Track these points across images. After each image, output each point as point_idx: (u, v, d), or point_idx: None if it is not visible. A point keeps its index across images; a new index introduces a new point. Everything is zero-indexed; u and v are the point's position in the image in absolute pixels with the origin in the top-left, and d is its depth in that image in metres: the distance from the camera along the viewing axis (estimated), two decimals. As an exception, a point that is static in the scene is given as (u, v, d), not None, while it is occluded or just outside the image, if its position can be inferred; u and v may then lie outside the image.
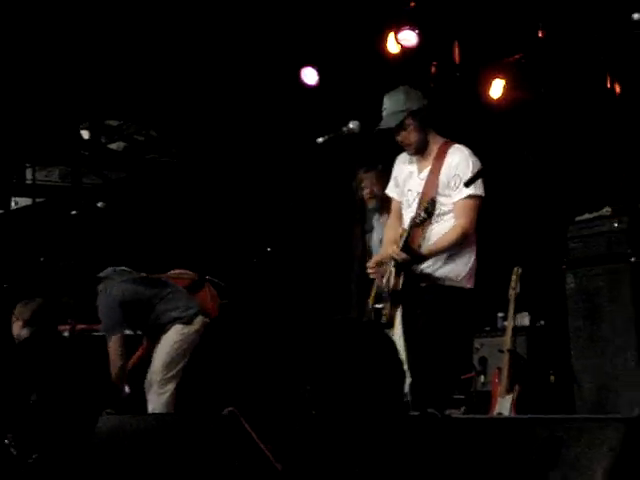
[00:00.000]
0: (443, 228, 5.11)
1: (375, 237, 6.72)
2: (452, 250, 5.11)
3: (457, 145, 5.18)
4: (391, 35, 7.81)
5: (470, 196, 5.05)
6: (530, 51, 7.67)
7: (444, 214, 5.11)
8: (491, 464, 3.27)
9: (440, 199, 5.09)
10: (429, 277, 5.13)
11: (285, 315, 8.34)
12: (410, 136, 5.17)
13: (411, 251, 5.05)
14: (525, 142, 6.97)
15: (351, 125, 5.33)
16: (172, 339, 6.54)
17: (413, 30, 7.72)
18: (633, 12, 6.08)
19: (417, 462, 3.39)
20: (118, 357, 6.31)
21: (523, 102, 7.85)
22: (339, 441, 3.84)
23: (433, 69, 7.95)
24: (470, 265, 5.14)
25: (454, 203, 5.09)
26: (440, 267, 5.12)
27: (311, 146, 5.44)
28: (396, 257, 5.07)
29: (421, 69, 7.97)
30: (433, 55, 7.97)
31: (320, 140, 5.34)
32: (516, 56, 7.83)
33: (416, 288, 5.15)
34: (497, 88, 7.96)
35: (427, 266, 5.13)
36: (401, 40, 7.78)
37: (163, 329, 6.53)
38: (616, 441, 2.97)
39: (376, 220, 6.78)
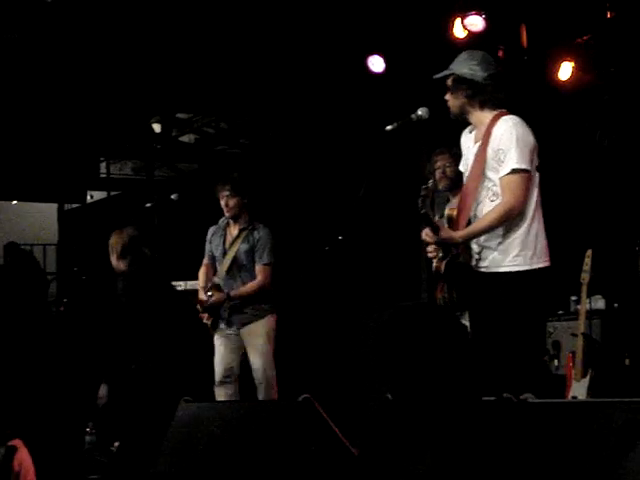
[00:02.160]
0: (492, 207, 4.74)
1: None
2: (499, 231, 4.71)
3: (506, 116, 4.76)
4: (458, 20, 7.77)
5: (514, 170, 4.64)
6: (599, 32, 7.57)
7: (496, 192, 4.74)
8: (568, 449, 3.25)
9: (489, 175, 4.74)
10: (482, 261, 4.80)
11: (359, 301, 8.39)
12: (450, 98, 4.89)
13: (444, 232, 4.75)
14: (599, 125, 6.89)
15: (420, 112, 5.25)
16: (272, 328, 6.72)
17: (479, 15, 7.68)
18: None
19: (493, 447, 3.40)
20: None
21: (593, 84, 7.76)
22: (415, 426, 3.86)
23: (501, 53, 7.88)
24: (530, 245, 4.70)
25: (500, 179, 4.69)
26: (493, 250, 4.75)
27: (380, 134, 5.42)
28: (427, 239, 4.81)
29: (489, 53, 7.92)
30: (500, 39, 7.89)
31: (389, 128, 5.29)
32: (584, 37, 7.74)
33: (473, 273, 4.84)
34: (566, 70, 7.90)
35: (478, 250, 4.81)
36: (468, 25, 7.73)
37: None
38: None
39: (448, 202, 6.74)
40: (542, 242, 4.75)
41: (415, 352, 5.41)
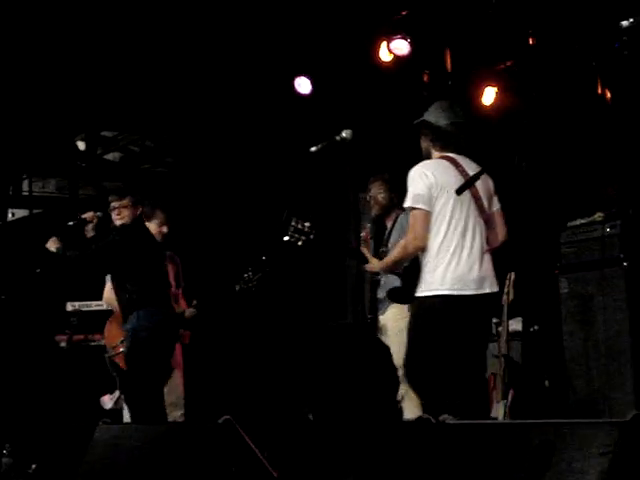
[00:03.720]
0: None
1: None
2: (402, 264, 5.24)
3: (428, 160, 5.27)
4: (383, 44, 7.86)
5: (411, 208, 5.10)
6: (521, 58, 7.71)
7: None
8: (485, 469, 3.29)
9: None
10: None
11: (281, 322, 8.38)
12: (421, 141, 5.34)
13: (367, 265, 5.46)
14: (517, 148, 7.01)
15: (344, 134, 5.37)
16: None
17: (405, 39, 7.78)
18: (622, 19, 6.12)
19: (411, 467, 3.42)
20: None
21: (515, 109, 7.89)
22: (336, 447, 3.87)
23: (425, 77, 7.99)
24: (437, 272, 5.05)
25: None
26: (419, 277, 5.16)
27: (305, 155, 5.47)
28: (366, 268, 5.52)
29: (414, 77, 8.03)
30: (425, 63, 8.00)
31: (313, 149, 5.37)
32: (507, 63, 7.88)
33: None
34: (489, 95, 8.03)
35: (395, 279, 5.37)
36: (393, 49, 7.83)
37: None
38: (609, 445, 2.99)
39: (370, 226, 6.83)
40: (454, 271, 5.05)
41: (337, 373, 5.44)
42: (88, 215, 6.58)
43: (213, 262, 9.16)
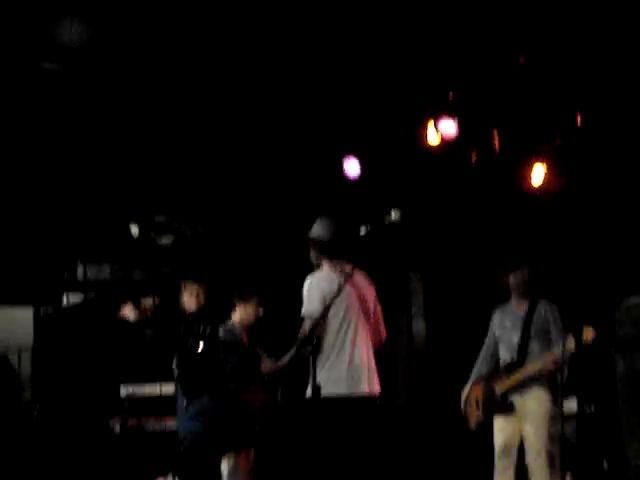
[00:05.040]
0: None
1: None
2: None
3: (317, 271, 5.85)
4: (431, 125, 7.91)
5: (302, 316, 5.67)
6: (569, 137, 7.71)
7: None
8: None
9: None
10: None
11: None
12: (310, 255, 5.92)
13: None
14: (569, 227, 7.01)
15: (392, 215, 5.40)
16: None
17: (452, 119, 7.83)
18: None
19: None
20: None
21: (564, 188, 7.87)
22: None
23: (473, 158, 8.02)
24: (328, 374, 5.51)
25: None
26: None
27: (355, 237, 5.52)
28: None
29: (461, 158, 8.06)
30: (472, 143, 8.03)
31: (363, 231, 5.43)
32: (556, 142, 7.87)
33: None
34: (538, 174, 8.01)
35: None
36: (441, 130, 7.88)
37: None
38: None
39: None
40: (336, 373, 5.56)
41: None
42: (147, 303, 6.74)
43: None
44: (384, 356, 8.25)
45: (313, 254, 5.87)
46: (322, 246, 5.79)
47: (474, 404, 6.56)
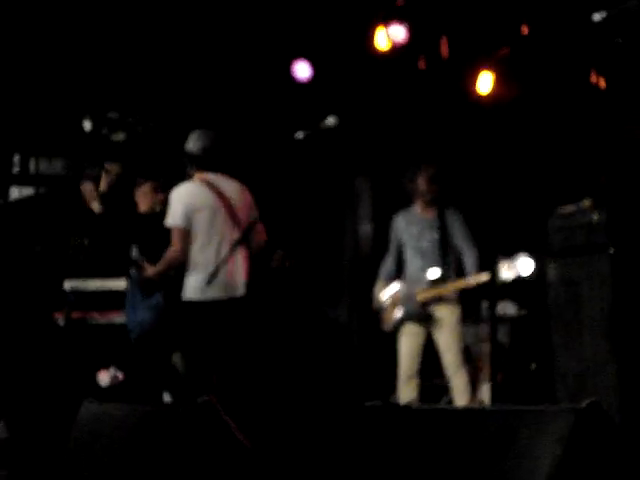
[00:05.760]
0: None
1: None
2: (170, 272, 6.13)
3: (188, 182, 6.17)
4: (381, 30, 7.90)
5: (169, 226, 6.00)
6: (517, 46, 7.75)
7: None
8: (442, 454, 3.37)
9: None
10: None
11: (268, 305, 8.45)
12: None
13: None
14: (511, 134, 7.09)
15: (329, 120, 5.46)
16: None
17: (402, 25, 7.83)
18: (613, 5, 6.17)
19: (365, 451, 3.52)
20: None
21: (510, 96, 7.93)
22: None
23: (422, 64, 8.04)
24: (196, 281, 5.91)
25: None
26: None
27: (292, 141, 5.58)
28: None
29: (410, 64, 8.08)
30: (422, 50, 8.05)
31: (299, 136, 5.50)
32: (503, 51, 7.90)
33: None
34: (485, 82, 8.07)
35: None
36: (391, 35, 7.88)
37: None
38: (565, 431, 3.04)
39: None
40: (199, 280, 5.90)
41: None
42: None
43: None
44: (329, 259, 8.42)
45: (188, 166, 6.19)
46: (191, 158, 6.10)
47: (391, 306, 6.82)
